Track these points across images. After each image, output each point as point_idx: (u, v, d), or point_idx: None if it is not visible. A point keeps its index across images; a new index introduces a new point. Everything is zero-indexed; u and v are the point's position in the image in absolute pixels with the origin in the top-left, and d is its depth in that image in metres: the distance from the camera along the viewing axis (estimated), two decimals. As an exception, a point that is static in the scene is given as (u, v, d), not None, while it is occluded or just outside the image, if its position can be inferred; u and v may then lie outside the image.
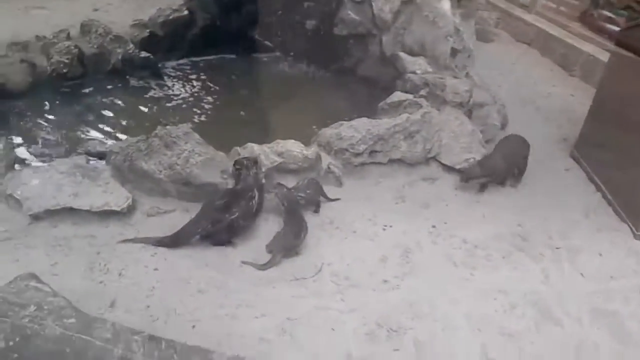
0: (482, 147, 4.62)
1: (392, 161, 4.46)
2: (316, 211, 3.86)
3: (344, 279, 3.30)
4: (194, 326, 2.82)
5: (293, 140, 4.20)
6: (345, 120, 4.53)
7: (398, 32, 5.76)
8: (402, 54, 5.62)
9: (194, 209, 3.63)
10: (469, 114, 4.89)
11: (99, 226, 3.48)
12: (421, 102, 4.71)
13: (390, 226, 3.87)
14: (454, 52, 5.52)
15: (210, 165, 3.64)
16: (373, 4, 5.66)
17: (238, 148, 4.06)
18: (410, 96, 4.85)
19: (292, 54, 6.69)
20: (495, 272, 3.52)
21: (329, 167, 4.22)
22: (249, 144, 4.03)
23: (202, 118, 5.17)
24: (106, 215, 3.49)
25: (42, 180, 3.50)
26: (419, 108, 4.63)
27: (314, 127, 4.77)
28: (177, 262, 3.26)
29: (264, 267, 3.30)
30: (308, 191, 3.88)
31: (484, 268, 3.55)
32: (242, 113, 5.31)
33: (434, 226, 3.92)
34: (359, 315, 3.05)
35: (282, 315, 2.98)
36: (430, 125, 4.51)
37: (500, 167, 4.37)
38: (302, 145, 4.19)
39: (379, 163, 4.43)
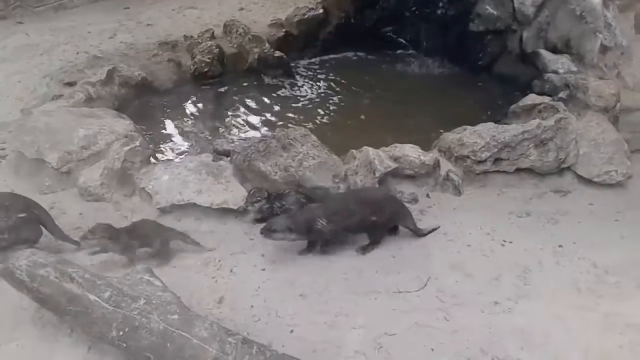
0: (627, 159, 4.10)
1: (519, 170, 4.15)
2: None
3: (451, 297, 3.14)
4: (292, 331, 2.87)
5: (411, 145, 4.08)
6: (472, 124, 4.30)
7: (540, 27, 5.34)
8: (543, 52, 5.20)
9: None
10: (615, 120, 4.37)
11: (218, 222, 3.68)
12: (558, 106, 4.31)
13: (510, 242, 3.61)
14: (604, 49, 4.96)
15: (323, 168, 3.67)
16: (514, -3, 5.29)
17: (354, 151, 4.04)
18: (546, 99, 4.47)
19: (424, 51, 6.50)
20: (625, 302, 3.11)
21: (447, 174, 4.04)
22: (365, 148, 3.99)
23: (325, 119, 5.22)
24: (224, 212, 3.68)
25: (171, 175, 3.78)
26: (555, 113, 4.23)
27: (441, 130, 4.56)
28: (283, 265, 3.34)
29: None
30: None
31: (613, 297, 3.15)
32: (365, 113, 5.26)
33: (560, 245, 3.57)
34: (462, 337, 2.88)
35: (381, 328, 2.92)
36: (565, 132, 4.11)
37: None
38: (420, 150, 4.05)
39: (504, 172, 4.16)
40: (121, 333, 2.47)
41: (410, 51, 6.69)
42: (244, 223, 3.68)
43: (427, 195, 4.04)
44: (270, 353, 2.39)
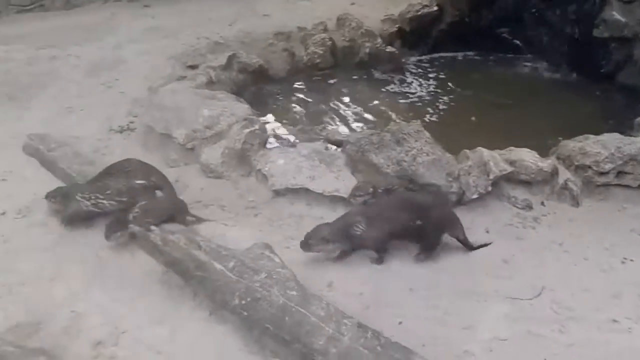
0: None
1: (646, 187, 3.92)
2: None
3: (566, 309, 3.03)
4: (400, 322, 2.88)
5: (527, 150, 3.97)
6: (592, 134, 4.11)
7: (673, 37, 5.00)
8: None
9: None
10: None
11: (328, 209, 3.75)
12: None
13: (632, 260, 3.42)
14: None
15: (436, 166, 3.65)
16: (646, 4, 4.99)
17: (467, 151, 3.98)
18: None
19: (540, 54, 6.28)
20: None
21: (565, 183, 3.89)
22: (479, 149, 3.92)
23: (434, 117, 5.18)
24: (335, 200, 3.75)
25: (287, 160, 3.91)
26: (690, 128, 3.96)
27: (560, 137, 4.37)
28: (391, 256, 3.35)
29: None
30: None
31: None
32: (476, 115, 5.17)
33: (688, 269, 3.34)
34: (576, 352, 2.77)
35: (491, 332, 2.87)
36: (700, 149, 3.83)
37: None
38: (538, 155, 3.93)
39: (627, 186, 3.93)
40: (243, 302, 2.60)
41: (525, 54, 6.49)
42: (353, 212, 3.73)
43: (542, 204, 3.90)
44: (385, 340, 2.43)
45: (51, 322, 2.83)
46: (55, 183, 3.84)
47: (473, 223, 3.67)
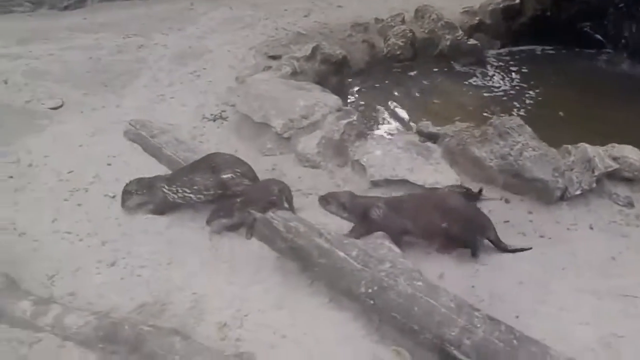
0: None
1: None
2: None
3: (682, 308, 2.98)
4: (517, 316, 2.88)
5: (630, 146, 3.88)
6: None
7: None
8: None
9: (515, 200, 3.71)
10: None
11: (427, 201, 3.76)
12: None
13: None
14: None
15: (543, 161, 3.61)
16: None
17: (569, 146, 3.92)
18: None
19: (625, 50, 6.10)
20: None
21: (671, 183, 3.79)
22: (582, 144, 3.86)
23: (521, 112, 5.10)
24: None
25: (384, 151, 3.93)
26: None
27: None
28: (495, 250, 3.35)
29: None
30: None
31: None
32: (563, 109, 5.07)
33: None
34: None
35: (608, 328, 2.84)
36: None
37: None
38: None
39: None
40: (370, 291, 2.64)
41: (606, 49, 6.32)
42: (453, 205, 3.73)
43: (644, 201, 3.82)
44: (519, 333, 2.43)
45: (175, 303, 2.94)
46: (159, 169, 3.97)
47: (576, 220, 3.63)
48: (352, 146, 4.06)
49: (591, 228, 3.60)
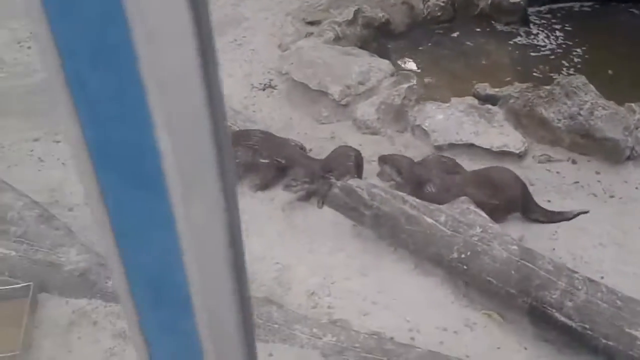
0: None
1: None
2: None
3: None
4: (602, 277, 2.88)
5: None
6: None
7: None
8: None
9: (582, 161, 3.68)
10: None
11: (492, 164, 3.72)
12: None
13: None
14: None
15: (614, 120, 3.56)
16: None
17: (633, 105, 3.85)
18: None
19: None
20: None
21: None
22: (648, 101, 3.80)
23: (571, 71, 5.00)
24: (501, 155, 3.72)
25: (445, 116, 3.88)
26: None
27: None
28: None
29: None
30: None
31: None
32: (612, 69, 4.97)
33: None
34: None
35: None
36: None
37: None
38: None
39: None
40: (463, 256, 2.64)
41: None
42: (521, 168, 3.70)
43: None
44: (621, 294, 2.43)
45: (260, 274, 2.95)
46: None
47: (643, 179, 3.61)
48: (412, 111, 4.01)
49: (659, 187, 3.58)
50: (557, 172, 3.67)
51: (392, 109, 3.99)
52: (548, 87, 3.78)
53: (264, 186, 3.51)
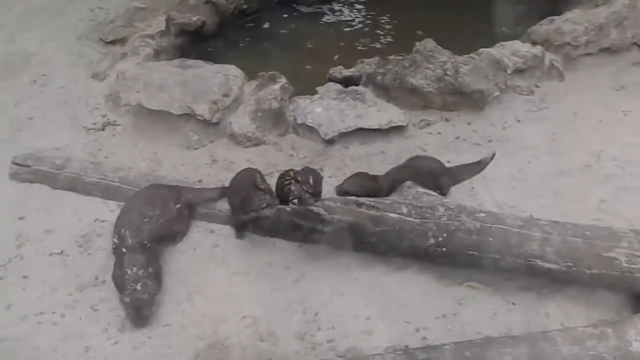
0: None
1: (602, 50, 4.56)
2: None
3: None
4: (531, 215, 3.12)
5: (518, 41, 4.34)
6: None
7: None
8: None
9: (454, 118, 3.94)
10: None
11: (383, 142, 3.77)
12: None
13: (630, 111, 4.02)
14: None
15: (476, 72, 3.84)
16: None
17: (473, 54, 4.14)
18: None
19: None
20: None
21: (551, 63, 4.37)
22: (483, 49, 4.17)
23: (388, 38, 5.26)
24: (387, 132, 3.77)
25: (323, 107, 3.78)
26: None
27: (504, 28, 4.85)
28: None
29: None
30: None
31: None
32: (421, 28, 5.32)
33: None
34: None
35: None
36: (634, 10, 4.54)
37: None
38: (526, 44, 4.32)
39: (589, 54, 4.54)
40: (440, 239, 2.61)
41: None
42: (407, 139, 3.80)
43: (536, 86, 4.35)
44: (587, 226, 2.65)
45: (236, 334, 2.55)
46: (95, 203, 3.26)
47: (504, 118, 3.98)
48: (288, 111, 3.82)
49: (518, 121, 4.01)
50: (439, 133, 3.87)
51: (269, 114, 3.75)
52: (409, 56, 3.91)
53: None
